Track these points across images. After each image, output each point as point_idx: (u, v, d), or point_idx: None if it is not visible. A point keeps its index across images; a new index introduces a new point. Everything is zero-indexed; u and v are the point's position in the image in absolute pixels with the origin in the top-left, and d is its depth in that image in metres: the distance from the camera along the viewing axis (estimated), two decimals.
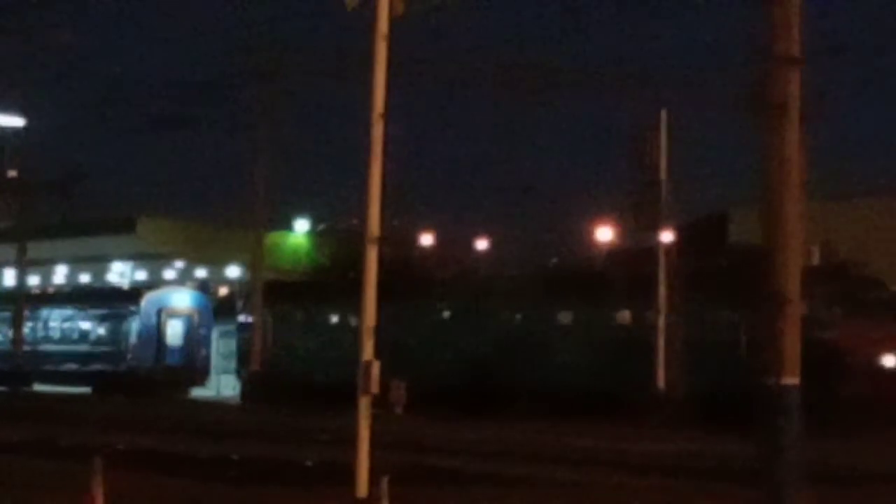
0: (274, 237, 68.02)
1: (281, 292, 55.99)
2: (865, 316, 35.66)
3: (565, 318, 45.51)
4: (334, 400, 46.28)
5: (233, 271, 71.40)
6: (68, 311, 65.60)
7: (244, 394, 54.49)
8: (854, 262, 39.37)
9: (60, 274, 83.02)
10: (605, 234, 51.06)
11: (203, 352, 59.81)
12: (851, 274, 39.99)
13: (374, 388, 17.73)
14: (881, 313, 37.43)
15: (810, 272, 41.14)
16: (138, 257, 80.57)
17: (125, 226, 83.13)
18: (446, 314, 48.74)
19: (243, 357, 55.30)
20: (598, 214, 52.67)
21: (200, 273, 75.47)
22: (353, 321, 51.68)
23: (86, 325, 63.98)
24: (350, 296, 50.48)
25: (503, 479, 22.78)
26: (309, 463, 25.72)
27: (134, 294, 63.99)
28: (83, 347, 63.03)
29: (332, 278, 58.37)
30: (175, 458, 26.15)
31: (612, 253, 56.67)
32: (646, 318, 42.52)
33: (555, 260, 64.02)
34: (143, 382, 57.69)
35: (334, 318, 52.89)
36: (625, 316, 43.96)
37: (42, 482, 20.70)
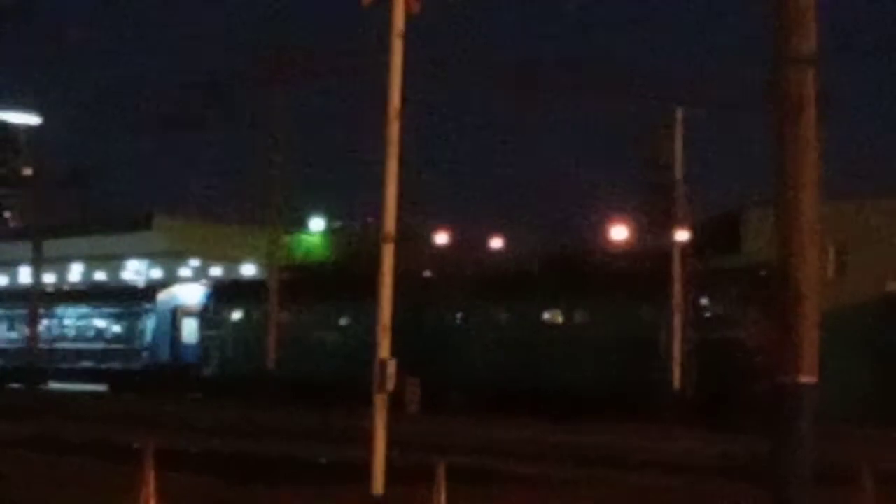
0: (289, 235, 68.08)
1: (236, 293, 56.77)
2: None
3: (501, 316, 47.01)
4: (285, 396, 47.01)
5: (248, 269, 71.50)
6: (84, 310, 65.72)
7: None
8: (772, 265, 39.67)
9: (76, 272, 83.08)
10: (619, 232, 50.93)
11: None
12: (766, 276, 40.84)
13: (391, 385, 17.67)
14: None
15: (726, 274, 42.18)
16: (154, 255, 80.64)
17: (141, 224, 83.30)
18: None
19: (205, 355, 55.96)
20: (614, 213, 52.52)
21: (216, 271, 75.50)
22: (303, 318, 52.28)
23: (101, 323, 64.12)
24: (302, 295, 51.14)
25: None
26: (323, 460, 25.73)
27: (149, 292, 64.05)
28: (99, 345, 63.15)
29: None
30: (194, 456, 26.18)
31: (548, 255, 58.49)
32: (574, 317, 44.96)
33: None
34: (159, 380, 57.84)
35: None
36: (555, 315, 45.33)
37: (87, 481, 20.69)
